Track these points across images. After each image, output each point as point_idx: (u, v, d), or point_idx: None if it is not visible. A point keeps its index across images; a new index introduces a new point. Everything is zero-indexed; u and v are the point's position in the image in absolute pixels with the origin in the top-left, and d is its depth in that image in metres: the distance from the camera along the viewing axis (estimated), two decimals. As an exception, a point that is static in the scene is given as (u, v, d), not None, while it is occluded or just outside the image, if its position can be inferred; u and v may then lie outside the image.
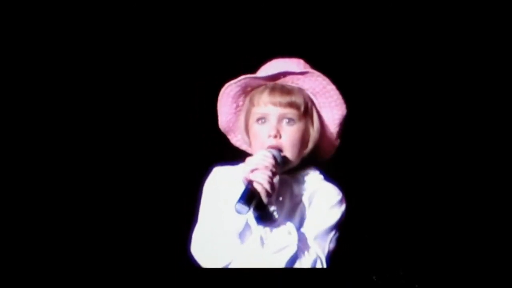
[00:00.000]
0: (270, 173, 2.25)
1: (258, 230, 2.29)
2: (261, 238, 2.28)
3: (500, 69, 3.42)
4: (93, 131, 3.48)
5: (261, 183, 2.23)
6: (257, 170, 2.26)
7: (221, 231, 2.31)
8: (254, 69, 2.46)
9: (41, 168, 3.43)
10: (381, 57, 3.44)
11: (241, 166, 2.42)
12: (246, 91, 2.42)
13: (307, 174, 2.44)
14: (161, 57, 3.47)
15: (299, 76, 2.37)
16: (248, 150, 2.51)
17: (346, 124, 2.43)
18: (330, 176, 2.46)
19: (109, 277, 3.24)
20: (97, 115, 3.48)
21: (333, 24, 3.42)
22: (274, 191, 2.26)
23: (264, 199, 2.25)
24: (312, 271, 2.29)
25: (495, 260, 3.38)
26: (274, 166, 2.28)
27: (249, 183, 2.25)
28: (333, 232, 2.36)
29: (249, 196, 2.23)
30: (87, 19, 3.40)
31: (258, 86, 2.40)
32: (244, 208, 2.20)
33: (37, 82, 3.44)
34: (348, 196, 2.44)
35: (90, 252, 3.40)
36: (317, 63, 2.45)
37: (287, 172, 2.41)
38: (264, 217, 2.28)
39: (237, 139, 2.51)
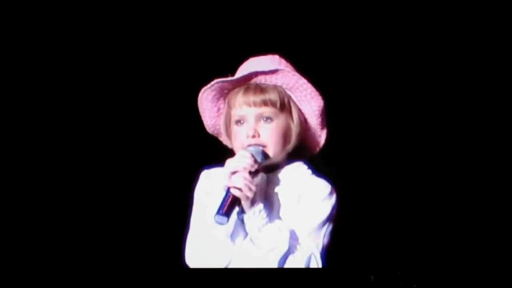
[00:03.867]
0: (247, 175, 2.27)
1: (248, 231, 2.30)
2: (251, 239, 2.30)
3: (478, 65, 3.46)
4: (82, 137, 3.50)
5: (239, 188, 2.26)
6: (235, 173, 2.28)
7: (211, 235, 2.31)
8: (235, 68, 2.47)
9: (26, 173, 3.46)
10: (367, 49, 3.45)
11: (226, 163, 2.42)
12: (224, 94, 2.44)
13: (294, 169, 2.44)
14: (141, 62, 3.49)
15: (271, 75, 2.38)
16: None
17: (331, 116, 2.46)
18: (318, 170, 2.46)
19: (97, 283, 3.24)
20: (85, 121, 3.50)
21: (309, 19, 3.44)
22: (254, 193, 2.27)
23: (244, 203, 2.27)
24: (311, 270, 2.29)
25: (495, 260, 3.39)
26: (253, 165, 2.30)
27: (228, 189, 2.27)
28: (326, 226, 2.36)
29: (229, 205, 2.24)
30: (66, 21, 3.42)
31: (234, 88, 2.42)
32: (223, 219, 2.23)
33: (30, 83, 3.47)
34: (342, 193, 2.45)
35: (79, 255, 3.42)
36: (297, 58, 2.47)
37: (274, 169, 2.41)
38: (249, 219, 2.29)
39: (227, 141, 2.50)
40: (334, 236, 2.40)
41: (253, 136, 2.36)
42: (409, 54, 3.45)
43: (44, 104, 3.49)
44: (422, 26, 3.44)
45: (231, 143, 2.46)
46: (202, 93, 2.44)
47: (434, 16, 3.44)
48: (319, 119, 2.44)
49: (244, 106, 2.37)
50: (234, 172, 2.29)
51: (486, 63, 3.45)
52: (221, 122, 2.46)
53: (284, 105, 2.40)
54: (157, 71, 3.51)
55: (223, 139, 2.52)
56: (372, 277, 2.45)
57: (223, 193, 2.29)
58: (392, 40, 3.45)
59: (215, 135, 2.53)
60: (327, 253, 2.38)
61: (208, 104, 2.45)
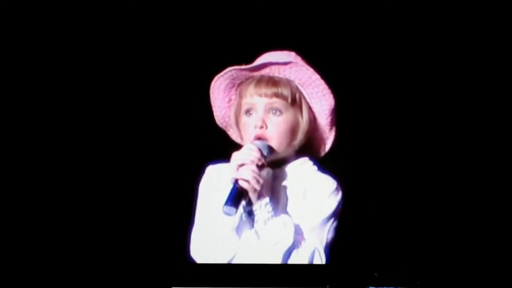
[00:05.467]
0: (255, 168, 2.28)
1: (253, 224, 2.32)
2: (256, 233, 2.32)
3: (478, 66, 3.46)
4: (85, 132, 3.49)
5: (247, 180, 2.27)
6: (243, 166, 2.29)
7: (217, 229, 2.33)
8: (248, 63, 2.48)
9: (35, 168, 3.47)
10: (377, 50, 3.44)
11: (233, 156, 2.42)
12: (236, 84, 2.46)
13: (300, 165, 2.45)
14: (153, 55, 3.47)
15: (284, 67, 2.39)
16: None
17: (338, 115, 2.46)
18: (325, 167, 2.48)
19: (102, 278, 3.24)
20: (88, 116, 3.49)
21: (327, 18, 3.44)
22: (261, 185, 2.29)
23: (252, 195, 2.29)
24: (313, 267, 2.31)
25: (497, 257, 3.40)
26: (260, 159, 2.31)
27: (236, 181, 2.28)
28: (330, 222, 2.38)
29: (237, 196, 2.27)
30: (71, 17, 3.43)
31: (247, 78, 2.43)
32: (231, 209, 2.25)
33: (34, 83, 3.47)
34: (347, 190, 2.46)
35: (81, 253, 3.42)
36: (313, 56, 2.48)
37: (281, 165, 2.43)
38: (256, 211, 2.31)
39: (237, 135, 2.52)
40: (339, 232, 2.42)
41: (261, 127, 2.37)
42: (419, 54, 3.45)
43: (52, 94, 3.49)
44: (430, 27, 3.44)
45: (241, 135, 2.46)
46: (215, 82, 2.46)
47: (445, 17, 3.44)
48: (329, 119, 2.45)
49: (255, 96, 2.39)
50: (241, 165, 2.30)
51: (502, 65, 3.45)
52: (232, 113, 2.47)
53: (295, 101, 2.41)
54: (166, 66, 3.50)
55: (232, 132, 2.52)
56: (375, 273, 2.45)
57: (229, 188, 2.29)
58: (401, 41, 3.45)
59: (223, 128, 2.54)
60: (332, 249, 2.40)
61: (220, 94, 2.47)
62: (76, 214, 3.46)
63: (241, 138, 2.48)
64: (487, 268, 3.36)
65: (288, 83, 2.40)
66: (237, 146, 2.47)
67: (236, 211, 2.27)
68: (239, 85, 2.46)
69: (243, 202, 2.31)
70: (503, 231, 3.42)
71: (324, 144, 2.50)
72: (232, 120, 2.48)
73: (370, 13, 3.43)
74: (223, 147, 2.51)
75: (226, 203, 2.25)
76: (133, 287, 2.65)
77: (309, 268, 2.30)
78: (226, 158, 2.40)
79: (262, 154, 2.34)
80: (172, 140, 3.49)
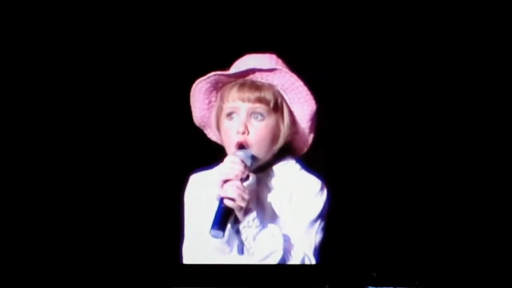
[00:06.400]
0: (239, 184, 2.27)
1: (244, 240, 2.30)
2: (247, 249, 2.31)
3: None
4: (70, 142, 3.47)
5: (233, 198, 2.25)
6: (228, 182, 2.27)
7: (207, 244, 2.32)
8: (228, 64, 2.48)
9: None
10: (359, 49, 3.46)
11: (217, 169, 2.42)
12: (218, 87, 2.44)
13: (283, 166, 2.44)
14: (132, 59, 3.47)
15: (268, 73, 2.39)
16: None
17: (318, 119, 2.44)
18: (308, 164, 2.47)
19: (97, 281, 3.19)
20: (72, 126, 3.47)
21: (306, 18, 3.45)
22: (246, 201, 2.27)
23: (238, 214, 2.27)
24: (311, 267, 2.31)
25: (497, 257, 3.40)
26: (244, 172, 2.30)
27: (221, 200, 2.25)
28: (317, 224, 2.37)
29: (223, 217, 2.24)
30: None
31: (229, 82, 2.42)
32: (219, 233, 2.23)
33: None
34: (341, 188, 2.49)
35: (75, 256, 3.40)
36: (291, 57, 2.47)
37: (263, 168, 2.41)
38: (244, 229, 2.29)
39: (213, 134, 2.51)
40: (337, 232, 2.41)
41: (243, 133, 2.36)
42: (403, 56, 3.46)
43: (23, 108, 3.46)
44: (414, 32, 3.45)
45: (221, 138, 2.45)
46: (196, 84, 2.44)
47: (431, 22, 3.44)
48: (309, 123, 2.44)
49: (238, 100, 2.38)
50: (226, 180, 2.28)
51: (469, 64, 3.46)
52: (212, 115, 2.46)
53: (277, 106, 2.40)
54: (148, 70, 3.49)
55: (210, 131, 2.52)
56: (374, 273, 2.40)
57: (215, 200, 2.27)
58: (385, 43, 3.47)
59: (201, 127, 2.52)
60: (331, 249, 2.39)
61: (201, 96, 2.45)
62: (69, 217, 3.44)
63: (221, 141, 2.47)
64: (486, 268, 3.37)
65: (270, 87, 2.40)
66: (217, 150, 2.46)
67: (224, 234, 2.24)
68: (220, 88, 2.44)
69: (231, 218, 2.27)
70: (501, 230, 3.42)
71: (302, 146, 2.49)
72: (213, 122, 2.46)
73: (350, 16, 3.46)
74: (204, 151, 2.51)
75: (213, 226, 2.23)
76: None
77: (308, 268, 2.29)
78: (208, 164, 2.41)
79: (245, 166, 2.32)
80: (154, 145, 3.47)
